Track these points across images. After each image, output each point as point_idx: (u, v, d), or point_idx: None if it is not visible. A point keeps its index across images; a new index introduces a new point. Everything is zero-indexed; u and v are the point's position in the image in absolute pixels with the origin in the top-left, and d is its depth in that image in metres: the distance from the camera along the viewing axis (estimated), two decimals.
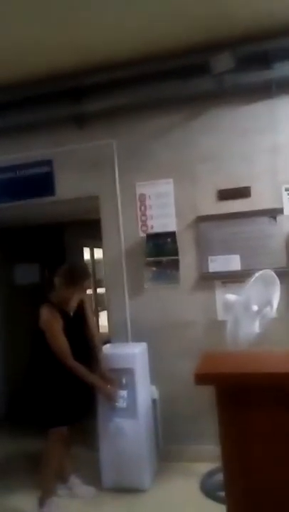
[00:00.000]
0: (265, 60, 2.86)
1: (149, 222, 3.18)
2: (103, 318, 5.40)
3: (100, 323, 4.96)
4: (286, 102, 2.98)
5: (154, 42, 2.81)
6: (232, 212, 3.02)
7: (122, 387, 2.69)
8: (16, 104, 3.23)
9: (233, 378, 1.38)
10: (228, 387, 1.40)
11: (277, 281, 2.60)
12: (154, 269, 3.12)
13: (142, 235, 3.18)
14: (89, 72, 3.04)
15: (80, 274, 2.70)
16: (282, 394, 1.40)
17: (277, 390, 1.35)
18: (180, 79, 2.99)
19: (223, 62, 2.83)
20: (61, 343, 2.54)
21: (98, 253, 6.49)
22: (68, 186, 3.31)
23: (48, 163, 3.34)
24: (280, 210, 2.95)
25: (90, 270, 6.07)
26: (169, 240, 3.09)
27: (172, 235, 3.09)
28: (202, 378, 1.42)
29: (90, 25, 2.58)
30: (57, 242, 4.90)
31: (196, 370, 1.41)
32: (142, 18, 2.56)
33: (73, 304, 2.70)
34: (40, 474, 2.62)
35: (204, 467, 2.81)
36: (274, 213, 2.96)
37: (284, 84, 2.92)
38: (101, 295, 6.29)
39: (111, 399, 2.66)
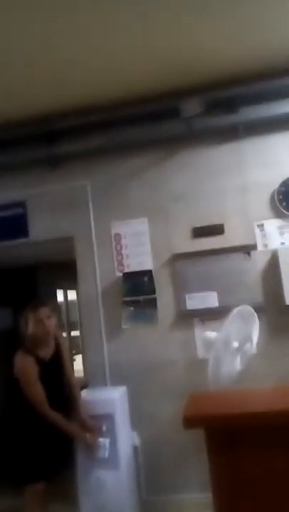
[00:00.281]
0: (231, 105, 3.01)
1: (125, 261, 3.17)
2: (78, 361, 5.24)
3: (74, 367, 4.78)
4: (252, 144, 3.11)
5: (126, 87, 2.92)
6: (207, 249, 3.05)
7: (102, 434, 2.55)
8: None
9: (224, 420, 1.34)
10: (218, 429, 1.35)
11: (256, 317, 2.61)
12: (131, 308, 3.07)
13: (119, 274, 3.15)
14: (62, 116, 3.09)
15: (31, 303, 2.61)
16: (274, 432, 1.36)
17: (270, 428, 1.32)
18: (152, 122, 3.09)
19: (192, 106, 2.96)
20: (36, 391, 2.42)
21: (72, 295, 6.40)
22: (42, 227, 3.28)
23: (22, 204, 3.32)
24: (254, 246, 3.01)
25: (64, 312, 5.95)
26: (145, 278, 3.08)
27: (149, 273, 3.08)
28: (191, 421, 1.37)
29: (63, 67, 2.64)
30: (29, 285, 4.78)
31: (185, 413, 1.35)
32: (115, 64, 2.66)
33: (49, 349, 2.60)
34: None
35: None
36: (248, 249, 3.01)
37: (249, 127, 3.06)
38: (75, 338, 6.14)
39: (91, 448, 2.51)
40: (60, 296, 6.02)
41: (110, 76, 2.78)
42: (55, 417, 2.41)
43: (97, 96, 2.98)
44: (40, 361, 2.50)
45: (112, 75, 2.78)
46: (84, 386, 3.06)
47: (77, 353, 5.66)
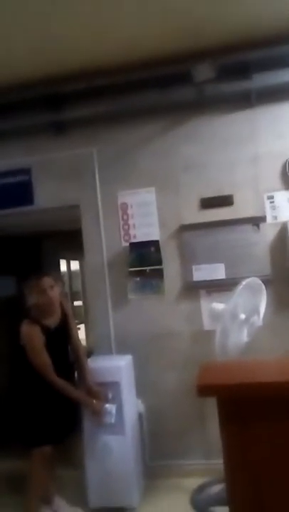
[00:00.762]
0: (245, 71, 2.89)
1: (132, 232, 3.13)
2: (80, 331, 5.29)
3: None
4: (266, 112, 3.01)
5: (134, 50, 2.79)
6: (215, 220, 3.00)
7: (109, 401, 2.59)
8: None
9: (236, 389, 1.33)
10: (230, 398, 1.35)
11: (264, 289, 2.60)
12: (137, 279, 3.05)
13: (125, 244, 3.12)
14: (68, 80, 2.97)
15: (32, 276, 2.59)
16: (284, 403, 1.36)
17: (281, 398, 1.32)
18: (161, 88, 2.98)
19: (204, 71, 2.84)
20: (43, 359, 2.44)
21: (74, 265, 6.40)
22: (47, 195, 3.22)
23: (27, 171, 3.24)
24: (263, 218, 2.96)
25: (66, 282, 5.96)
26: (152, 249, 3.04)
27: (156, 244, 3.05)
28: (205, 390, 1.36)
29: (68, 30, 2.52)
30: (33, 254, 4.76)
31: (198, 382, 1.34)
32: (123, 26, 2.53)
33: (54, 318, 2.60)
34: (24, 496, 2.48)
35: (194, 482, 2.74)
36: (257, 221, 2.96)
37: (264, 94, 2.95)
38: (78, 308, 6.18)
39: (98, 414, 2.55)
40: (63, 266, 6.02)
41: (118, 38, 2.65)
42: (62, 383, 2.44)
43: (104, 59, 2.86)
44: (45, 330, 2.51)
45: (121, 37, 2.64)
46: (88, 354, 3.08)
47: (80, 323, 5.71)
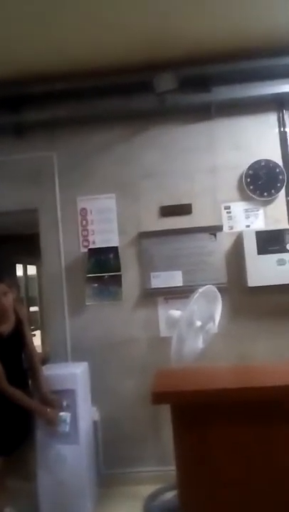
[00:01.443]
0: (205, 83, 2.97)
1: (91, 238, 3.11)
2: (36, 337, 5.18)
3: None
4: (224, 125, 3.11)
5: (98, 57, 2.80)
6: (174, 228, 3.05)
7: (63, 409, 2.54)
8: None
9: (190, 396, 1.35)
10: (184, 405, 1.36)
11: (219, 297, 2.66)
12: (95, 285, 3.04)
13: (83, 250, 3.09)
14: (30, 82, 2.93)
15: None
16: (237, 408, 1.39)
17: (234, 405, 1.35)
18: (123, 95, 3.00)
19: (166, 82, 2.89)
20: None
21: (31, 270, 6.26)
22: (4, 198, 3.14)
23: None
24: (220, 228, 3.04)
25: (23, 287, 5.82)
26: (111, 255, 3.04)
27: (115, 250, 3.05)
28: (158, 397, 1.37)
29: (31, 36, 2.51)
30: None
31: (152, 389, 1.35)
32: (88, 33, 2.54)
33: (8, 325, 2.52)
34: None
35: (148, 490, 2.74)
36: (214, 230, 3.04)
37: (222, 107, 3.04)
38: (34, 313, 6.04)
39: (52, 423, 2.49)
40: (19, 271, 5.87)
41: (82, 44, 2.66)
42: (15, 392, 2.36)
43: (67, 64, 2.84)
44: None
45: (85, 44, 2.65)
46: (43, 361, 3.02)
47: (36, 329, 5.58)
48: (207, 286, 2.63)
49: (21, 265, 5.87)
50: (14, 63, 2.78)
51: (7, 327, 2.50)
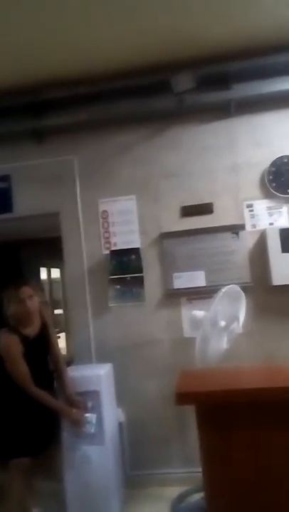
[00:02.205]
0: (224, 81, 2.94)
1: (113, 239, 3.12)
2: (61, 339, 5.23)
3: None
4: (245, 122, 3.07)
5: (116, 60, 2.81)
6: (195, 228, 3.02)
7: (89, 410, 2.55)
8: None
9: (215, 396, 1.34)
10: (208, 406, 1.35)
11: (243, 297, 2.62)
12: (118, 287, 3.04)
13: (105, 252, 3.11)
14: (50, 87, 2.98)
15: (13, 282, 2.56)
16: (262, 409, 1.37)
17: (260, 405, 1.32)
18: (142, 96, 3.00)
19: (184, 81, 2.88)
20: (21, 368, 2.39)
21: (55, 273, 6.34)
22: (27, 202, 3.19)
23: (6, 178, 3.21)
24: (242, 226, 3.00)
25: (47, 290, 5.89)
26: (133, 256, 3.04)
27: (136, 251, 3.05)
28: (183, 398, 1.36)
29: (54, 40, 2.54)
30: (13, 262, 4.70)
31: (177, 390, 1.34)
32: (106, 35, 2.55)
33: (33, 327, 2.55)
34: (3, 509, 2.42)
35: (174, 491, 2.73)
36: (236, 229, 3.00)
37: (242, 104, 3.01)
38: (58, 316, 6.11)
39: (78, 424, 2.51)
40: (43, 274, 5.95)
41: (101, 48, 2.67)
42: (40, 393, 2.39)
43: (86, 68, 2.87)
44: (24, 339, 2.46)
45: (103, 47, 2.67)
46: (68, 363, 3.05)
47: (60, 331, 5.64)
48: (230, 285, 2.60)
49: (45, 269, 5.95)
50: (34, 70, 2.83)
51: (33, 330, 2.54)
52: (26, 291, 2.50)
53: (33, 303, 2.50)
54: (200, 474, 1.46)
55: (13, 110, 3.07)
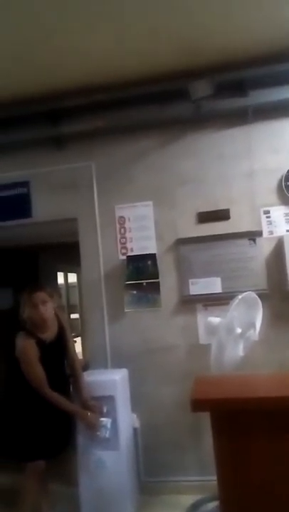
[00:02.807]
0: (241, 88, 2.95)
1: (129, 245, 3.14)
2: (77, 344, 5.26)
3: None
4: (262, 128, 3.06)
5: (134, 67, 2.85)
6: (212, 234, 3.02)
7: (104, 415, 2.56)
8: None
9: (230, 404, 1.33)
10: (224, 413, 1.34)
11: (260, 304, 2.60)
12: (134, 292, 3.06)
13: (122, 257, 3.13)
14: (68, 95, 3.03)
15: (29, 286, 2.59)
16: (279, 417, 1.36)
17: (276, 413, 1.31)
18: (159, 103, 3.02)
19: (201, 88, 2.89)
20: (37, 372, 2.42)
21: (72, 278, 6.39)
22: (45, 208, 3.24)
23: (25, 184, 3.27)
24: (259, 233, 2.98)
25: (64, 295, 5.94)
26: (149, 262, 3.05)
27: (152, 257, 3.06)
28: (199, 404, 1.36)
29: (71, 47, 2.58)
30: (31, 266, 4.76)
31: (192, 396, 1.34)
32: (123, 43, 2.59)
33: (50, 332, 2.58)
34: (17, 511, 2.44)
35: (188, 499, 2.70)
36: (253, 236, 2.98)
37: (260, 110, 3.00)
38: (74, 321, 6.15)
39: (92, 428, 2.52)
40: (60, 278, 6.01)
41: (117, 55, 2.71)
42: (55, 396, 2.41)
43: (103, 75, 2.91)
44: (41, 343, 2.49)
45: (119, 55, 2.70)
46: (83, 368, 3.07)
47: (76, 336, 5.68)
48: (247, 292, 2.59)
49: (62, 273, 6.00)
50: (52, 78, 2.88)
51: (49, 334, 2.57)
52: (40, 296, 2.52)
53: (47, 308, 2.52)
54: (215, 482, 1.45)
55: (32, 118, 3.13)
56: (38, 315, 2.49)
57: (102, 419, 2.54)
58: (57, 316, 2.64)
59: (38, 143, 3.23)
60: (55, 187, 3.24)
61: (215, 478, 1.43)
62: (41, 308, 2.49)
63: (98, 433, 2.52)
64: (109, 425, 2.54)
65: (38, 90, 3.00)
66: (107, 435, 2.53)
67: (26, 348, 2.45)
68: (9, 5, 2.18)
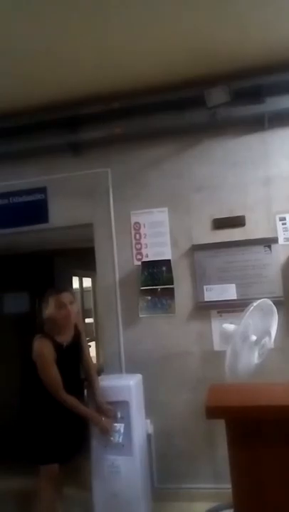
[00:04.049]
0: (258, 94, 2.95)
1: (144, 251, 3.16)
2: (91, 348, 5.28)
3: None
4: (278, 135, 3.06)
5: (150, 75, 2.88)
6: (227, 241, 3.02)
7: (118, 420, 2.57)
8: (12, 131, 3.22)
9: (246, 411, 1.33)
10: (239, 421, 1.34)
11: (275, 311, 2.58)
12: (148, 298, 3.07)
13: (137, 263, 3.14)
14: (86, 102, 3.07)
15: (51, 290, 2.62)
16: None
17: None
18: (175, 111, 3.04)
19: (218, 95, 2.89)
20: (52, 374, 2.44)
21: (87, 283, 6.43)
22: (62, 214, 3.29)
23: (42, 190, 3.32)
24: (275, 240, 2.97)
25: (78, 299, 5.98)
26: (164, 268, 3.06)
27: (167, 263, 3.07)
28: (213, 411, 1.36)
29: (87, 55, 2.62)
30: (46, 271, 4.81)
31: (207, 403, 1.34)
32: (140, 51, 2.62)
33: (68, 335, 2.60)
34: None
35: (202, 507, 2.68)
36: (269, 242, 2.97)
37: (276, 118, 3.00)
38: (89, 325, 6.18)
39: (107, 432, 2.53)
40: (75, 283, 6.05)
41: (134, 63, 2.74)
42: (70, 400, 2.42)
43: (120, 83, 2.95)
44: (57, 346, 2.51)
45: (136, 62, 2.74)
46: (98, 372, 3.08)
47: (91, 340, 5.70)
48: (262, 299, 2.57)
49: (77, 278, 6.05)
50: (70, 85, 2.92)
51: (66, 338, 2.59)
52: (67, 296, 2.56)
53: (73, 309, 2.56)
54: (228, 491, 1.45)
55: (50, 125, 3.18)
56: (67, 314, 2.51)
57: (115, 424, 2.55)
58: (76, 320, 2.66)
59: (56, 149, 3.28)
60: (71, 193, 3.28)
61: (228, 486, 1.43)
62: (69, 308, 2.52)
63: (111, 438, 2.53)
64: (122, 430, 2.55)
65: (56, 98, 3.05)
66: (120, 440, 2.54)
67: (43, 351, 2.47)
68: (29, 14, 2.22)
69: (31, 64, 2.65)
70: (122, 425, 2.56)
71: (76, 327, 2.66)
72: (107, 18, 2.31)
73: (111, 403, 2.62)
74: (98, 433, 2.56)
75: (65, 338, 2.58)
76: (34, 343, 2.51)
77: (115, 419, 2.57)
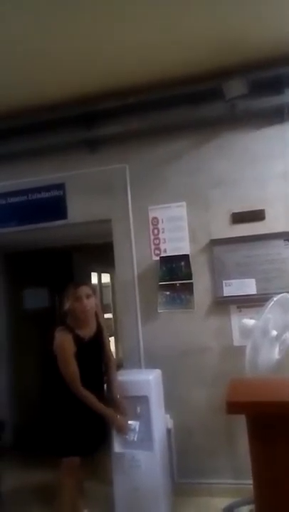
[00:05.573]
0: (277, 86, 2.89)
1: (162, 246, 3.15)
2: (111, 343, 5.32)
3: None
4: None
5: (167, 68, 2.85)
6: (246, 235, 2.98)
7: (133, 417, 2.57)
8: (29, 128, 3.25)
9: (267, 407, 1.31)
10: (260, 416, 1.33)
11: None
12: (167, 293, 3.06)
13: (155, 258, 3.14)
14: (102, 98, 3.07)
15: (70, 284, 2.64)
16: None
17: None
18: (192, 104, 3.01)
19: (236, 87, 2.85)
20: (70, 368, 2.45)
21: (105, 278, 6.47)
22: (80, 210, 3.30)
23: (61, 186, 3.34)
24: None
25: (97, 295, 6.02)
26: (182, 263, 3.05)
27: (186, 258, 3.05)
28: (234, 407, 1.35)
29: (103, 49, 2.61)
30: (65, 267, 4.86)
31: (227, 398, 1.33)
32: (156, 44, 2.59)
33: (89, 329, 2.61)
34: (54, 507, 2.50)
35: (222, 502, 2.68)
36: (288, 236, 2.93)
37: None
38: (107, 321, 6.22)
39: (121, 430, 2.54)
40: (94, 279, 6.10)
41: (150, 56, 2.71)
42: (87, 395, 2.42)
43: (136, 77, 2.93)
44: (78, 340, 2.51)
45: (153, 55, 2.71)
46: (117, 367, 3.09)
47: (110, 335, 5.74)
48: (282, 294, 2.54)
49: (96, 273, 6.09)
50: (86, 81, 2.92)
51: (88, 332, 2.60)
52: (85, 289, 2.57)
53: (90, 302, 2.57)
54: (249, 486, 1.44)
55: (66, 121, 3.20)
56: (82, 307, 2.53)
57: (130, 422, 2.55)
58: (96, 314, 2.68)
59: (73, 146, 3.29)
60: (89, 189, 3.29)
61: (249, 481, 1.42)
62: (85, 301, 2.54)
63: (126, 436, 2.53)
64: (137, 428, 2.55)
65: (72, 94, 3.05)
66: (135, 439, 2.54)
67: (63, 343, 2.48)
68: (44, 10, 2.23)
69: (46, 60, 2.65)
70: (137, 423, 2.56)
71: (99, 323, 2.67)
72: (122, 12, 2.29)
73: (131, 398, 2.62)
74: (114, 431, 2.57)
75: (87, 333, 2.58)
76: (55, 335, 2.52)
77: (132, 417, 2.57)
